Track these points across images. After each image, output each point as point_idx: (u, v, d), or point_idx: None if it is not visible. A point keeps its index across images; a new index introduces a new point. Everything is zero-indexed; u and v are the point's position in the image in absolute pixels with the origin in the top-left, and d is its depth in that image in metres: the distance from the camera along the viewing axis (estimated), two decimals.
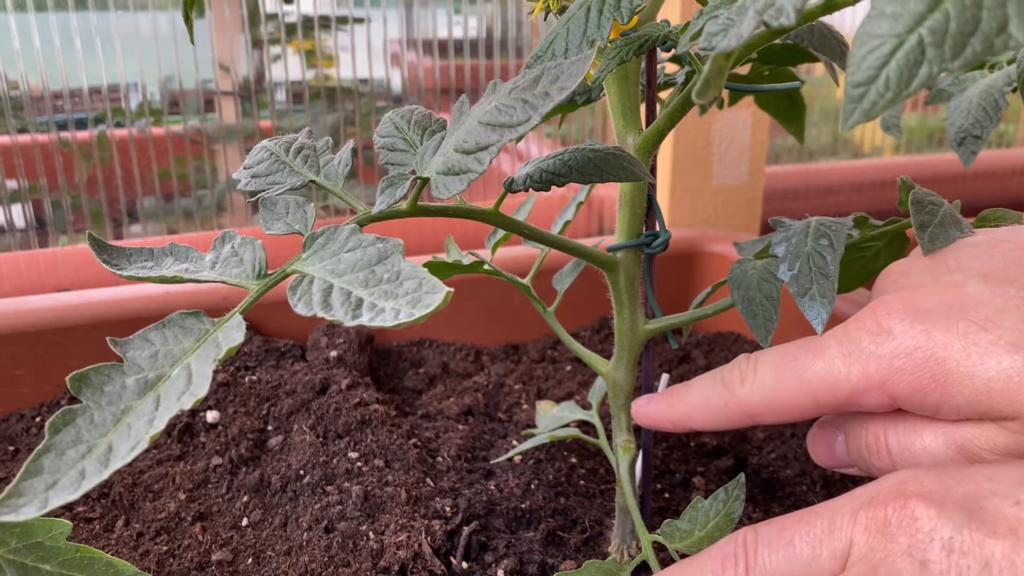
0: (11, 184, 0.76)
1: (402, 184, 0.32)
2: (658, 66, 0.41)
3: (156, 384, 0.25)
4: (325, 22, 0.82)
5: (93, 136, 0.78)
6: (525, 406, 0.63)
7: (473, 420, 0.61)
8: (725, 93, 0.51)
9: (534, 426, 0.59)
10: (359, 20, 0.83)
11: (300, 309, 0.26)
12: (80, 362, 0.25)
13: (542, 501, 0.50)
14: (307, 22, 0.82)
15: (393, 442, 0.54)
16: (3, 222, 0.77)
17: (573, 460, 0.55)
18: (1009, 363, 0.28)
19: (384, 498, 0.48)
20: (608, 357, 0.44)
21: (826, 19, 0.32)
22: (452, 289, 0.24)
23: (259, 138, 0.73)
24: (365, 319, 0.24)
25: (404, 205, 0.32)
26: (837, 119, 1.13)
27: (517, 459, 0.55)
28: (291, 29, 0.81)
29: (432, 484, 0.51)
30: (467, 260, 0.49)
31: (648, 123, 0.39)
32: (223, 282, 0.29)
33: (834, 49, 0.38)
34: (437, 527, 0.46)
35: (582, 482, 0.53)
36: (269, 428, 0.58)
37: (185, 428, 0.57)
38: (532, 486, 0.51)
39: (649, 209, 0.41)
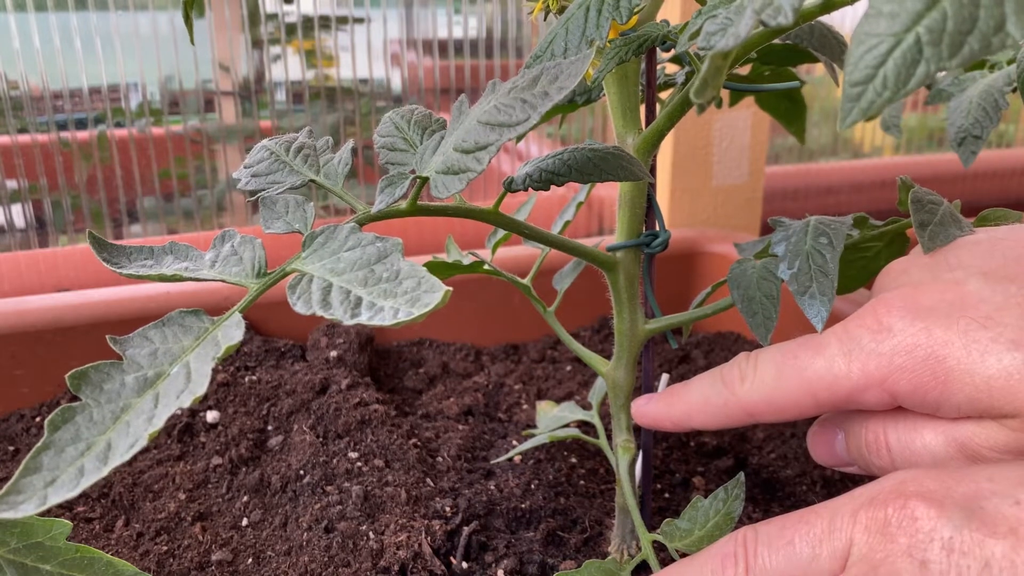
0: (11, 184, 0.76)
1: (401, 183, 0.32)
2: (658, 66, 0.41)
3: (155, 382, 0.25)
4: (325, 22, 0.82)
5: (93, 136, 0.78)
6: (525, 406, 0.63)
7: (473, 420, 0.61)
8: (726, 93, 0.51)
9: (534, 426, 0.59)
10: (359, 20, 0.83)
11: (299, 308, 0.26)
12: (80, 362, 0.25)
13: (542, 501, 0.50)
14: (307, 22, 0.82)
15: (393, 442, 0.54)
16: (3, 222, 0.77)
17: (573, 460, 0.55)
18: (1010, 361, 0.28)
19: (384, 498, 0.48)
20: (608, 357, 0.44)
21: (825, 19, 0.32)
22: (451, 288, 0.24)
23: (259, 138, 0.73)
24: (364, 318, 0.24)
25: (404, 204, 0.32)
26: (837, 119, 1.13)
27: (517, 459, 0.55)
28: (291, 29, 0.81)
29: (432, 484, 0.51)
30: (467, 260, 0.49)
31: (648, 123, 0.39)
32: (223, 280, 0.29)
33: (834, 49, 0.38)
34: (437, 527, 0.46)
35: (582, 482, 0.53)
36: (269, 428, 0.58)
37: (185, 428, 0.57)
38: (532, 486, 0.51)
39: (649, 209, 0.41)
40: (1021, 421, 0.29)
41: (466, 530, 0.46)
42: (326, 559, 0.44)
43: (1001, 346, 0.28)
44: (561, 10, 0.37)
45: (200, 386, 0.24)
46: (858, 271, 0.43)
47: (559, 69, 0.28)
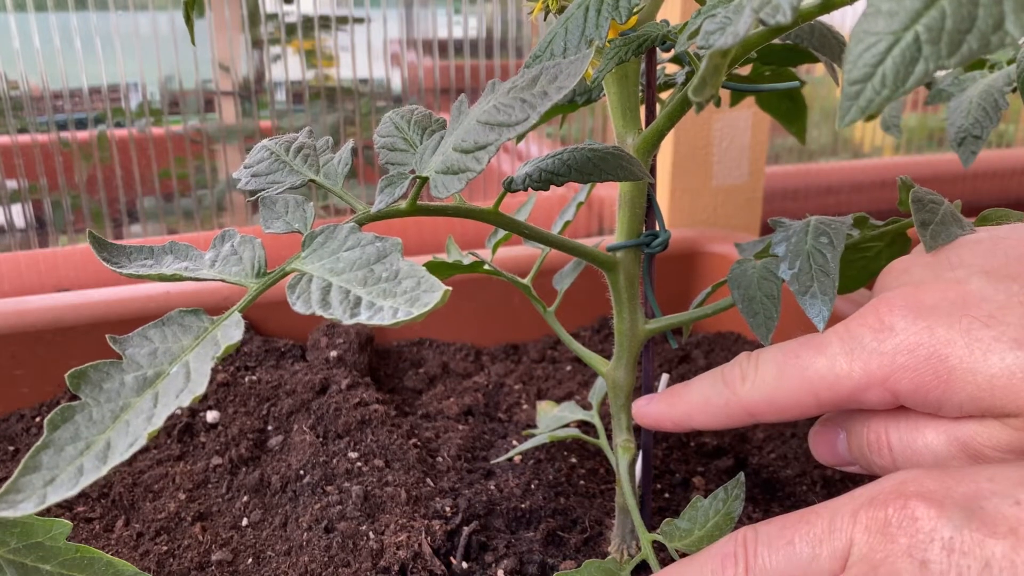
0: (11, 184, 0.76)
1: (401, 183, 0.32)
2: (658, 66, 0.41)
3: (155, 381, 0.25)
4: (325, 22, 0.82)
5: (93, 136, 0.78)
6: (525, 406, 0.63)
7: (473, 420, 0.61)
8: (726, 93, 0.51)
9: (534, 426, 0.59)
10: (359, 20, 0.83)
11: (299, 307, 0.26)
12: (80, 362, 0.25)
13: (542, 501, 0.50)
14: (307, 22, 0.82)
15: (393, 442, 0.54)
16: (3, 222, 0.77)
17: (573, 460, 0.55)
18: (1012, 359, 0.28)
19: (384, 498, 0.48)
20: (608, 357, 0.44)
21: (825, 19, 0.32)
22: (450, 288, 0.24)
23: (259, 138, 0.73)
24: (363, 317, 0.24)
25: (403, 204, 0.32)
26: (836, 118, 1.13)
27: (517, 459, 0.55)
28: (291, 29, 0.81)
29: (432, 484, 0.51)
30: (467, 260, 0.49)
31: (648, 123, 0.39)
32: (222, 280, 0.29)
33: (834, 49, 0.38)
34: (437, 527, 0.46)
35: (582, 482, 0.53)
36: (269, 428, 0.58)
37: (185, 428, 0.57)
38: (532, 486, 0.51)
39: (649, 209, 0.41)
40: (1023, 420, 0.29)
41: (466, 530, 0.46)
42: (326, 559, 0.44)
43: (1004, 345, 0.28)
44: (561, 10, 0.37)
45: (199, 385, 0.24)
46: (859, 271, 0.43)
47: (558, 69, 0.28)
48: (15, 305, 0.62)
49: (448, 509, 0.48)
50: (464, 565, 0.45)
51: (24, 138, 0.75)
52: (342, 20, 0.83)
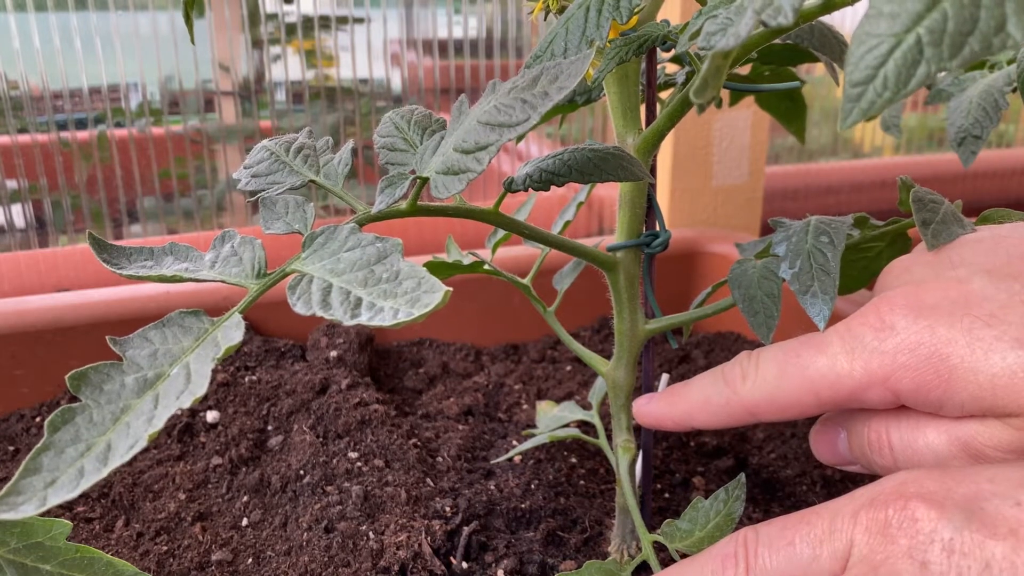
0: (11, 184, 0.76)
1: (402, 184, 0.32)
2: (658, 66, 0.41)
3: (155, 383, 0.25)
4: (325, 22, 0.82)
5: (93, 136, 0.78)
6: (525, 406, 0.63)
7: (473, 420, 0.61)
8: (726, 93, 0.51)
9: (534, 426, 0.59)
10: (359, 20, 0.83)
11: (299, 308, 0.26)
12: (80, 362, 0.25)
13: (542, 501, 0.50)
14: (307, 22, 0.82)
15: (393, 442, 0.54)
16: (3, 222, 0.77)
17: (573, 460, 0.55)
18: (1014, 359, 0.28)
19: (384, 498, 0.48)
20: (608, 357, 0.44)
21: (825, 19, 0.32)
22: (451, 288, 0.24)
23: (259, 138, 0.73)
24: (364, 318, 0.24)
25: (404, 205, 0.32)
26: (837, 119, 1.13)
27: (517, 459, 0.55)
28: (291, 29, 0.81)
29: (432, 484, 0.51)
30: (467, 260, 0.49)
31: (648, 123, 0.39)
32: (222, 281, 0.29)
33: (834, 49, 0.38)
34: (437, 527, 0.46)
35: (582, 482, 0.53)
36: (269, 428, 0.58)
37: (185, 428, 0.57)
38: (532, 486, 0.51)
39: (649, 209, 0.41)
40: None
41: (466, 530, 0.46)
42: (326, 559, 0.44)
43: (1005, 344, 0.28)
44: (561, 10, 0.37)
45: (200, 387, 0.24)
46: (859, 271, 0.43)
47: (559, 69, 0.28)
48: (15, 305, 0.62)
49: (448, 509, 0.48)
50: (464, 565, 0.45)
51: (24, 138, 0.75)
52: (342, 20, 0.83)
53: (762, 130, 0.85)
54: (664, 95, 0.44)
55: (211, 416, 0.58)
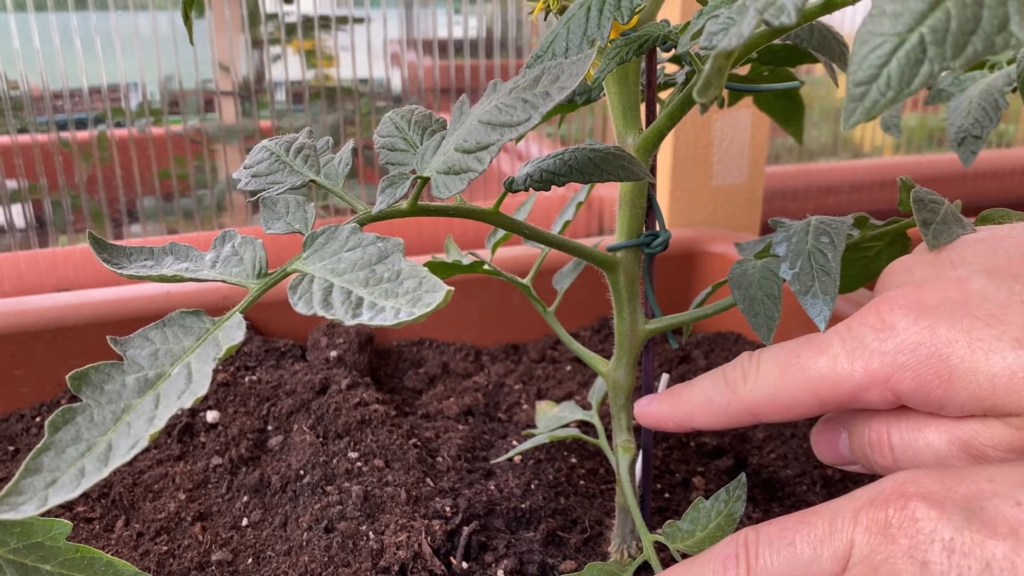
0: (11, 184, 0.76)
1: (402, 184, 0.32)
2: (658, 66, 0.41)
3: (156, 382, 0.25)
4: (325, 22, 0.82)
5: (93, 136, 0.78)
6: (525, 406, 0.63)
7: (473, 420, 0.61)
8: (725, 93, 0.51)
9: (534, 426, 0.59)
10: (359, 20, 0.83)
11: (300, 308, 0.26)
12: (80, 362, 0.25)
13: (542, 501, 0.50)
14: (307, 22, 0.82)
15: (393, 442, 0.54)
16: (3, 222, 0.77)
17: (573, 460, 0.55)
18: (1014, 359, 0.28)
19: (384, 498, 0.48)
20: (608, 357, 0.44)
21: (825, 19, 0.32)
22: (452, 288, 0.24)
23: (259, 138, 0.73)
24: (365, 318, 0.24)
25: (404, 205, 0.32)
26: (837, 119, 1.14)
27: (517, 459, 0.55)
28: (291, 29, 0.81)
29: (432, 484, 0.51)
30: (467, 260, 0.49)
31: (648, 123, 0.39)
32: (223, 281, 0.29)
33: (833, 49, 0.38)
34: (437, 527, 0.46)
35: (582, 482, 0.53)
36: (269, 428, 0.58)
37: (185, 428, 0.57)
38: (532, 486, 0.51)
39: (649, 209, 0.41)
40: None
41: (466, 530, 0.46)
42: (326, 559, 0.44)
43: (1005, 344, 0.28)
44: (561, 10, 0.37)
45: (201, 387, 0.24)
46: (859, 271, 0.43)
47: (560, 69, 0.28)
48: (15, 305, 0.62)
49: (448, 509, 0.48)
50: (464, 565, 0.45)
51: (24, 138, 0.75)
52: (342, 20, 0.83)
53: (762, 130, 0.86)
54: (664, 95, 0.44)
55: (211, 416, 0.58)
